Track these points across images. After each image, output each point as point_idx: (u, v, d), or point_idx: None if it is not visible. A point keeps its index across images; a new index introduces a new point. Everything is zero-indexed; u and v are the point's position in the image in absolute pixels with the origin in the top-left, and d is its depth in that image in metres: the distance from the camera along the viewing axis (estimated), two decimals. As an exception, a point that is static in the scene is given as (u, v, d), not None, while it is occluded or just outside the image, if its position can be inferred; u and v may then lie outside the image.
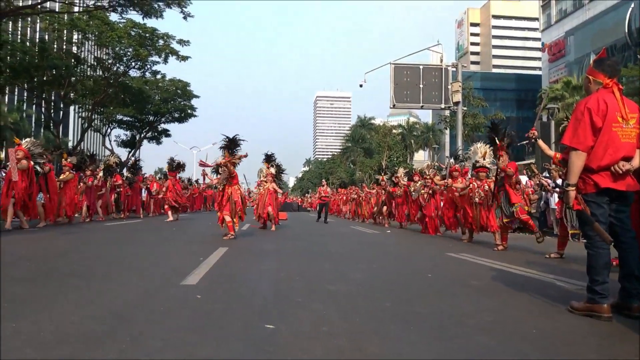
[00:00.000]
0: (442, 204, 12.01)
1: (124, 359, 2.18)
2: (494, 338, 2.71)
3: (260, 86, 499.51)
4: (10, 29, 25.21)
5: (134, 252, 6.59)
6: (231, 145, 9.26)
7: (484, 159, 9.06)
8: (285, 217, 17.27)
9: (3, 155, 12.99)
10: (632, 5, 36.14)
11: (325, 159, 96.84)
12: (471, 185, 9.28)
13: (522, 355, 2.43)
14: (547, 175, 12.88)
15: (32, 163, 9.35)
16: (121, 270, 4.85)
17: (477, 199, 8.96)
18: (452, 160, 11.38)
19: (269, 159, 12.67)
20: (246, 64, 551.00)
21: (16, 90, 36.19)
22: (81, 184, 12.87)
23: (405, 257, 7.19)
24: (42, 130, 42.53)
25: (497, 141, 7.86)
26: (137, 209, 17.26)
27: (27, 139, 9.72)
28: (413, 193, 13.10)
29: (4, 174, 10.03)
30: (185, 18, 21.22)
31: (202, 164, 10.30)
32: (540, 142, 7.71)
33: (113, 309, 3.07)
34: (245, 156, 9.33)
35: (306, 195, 74.33)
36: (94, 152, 18.57)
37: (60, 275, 4.34)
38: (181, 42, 27.28)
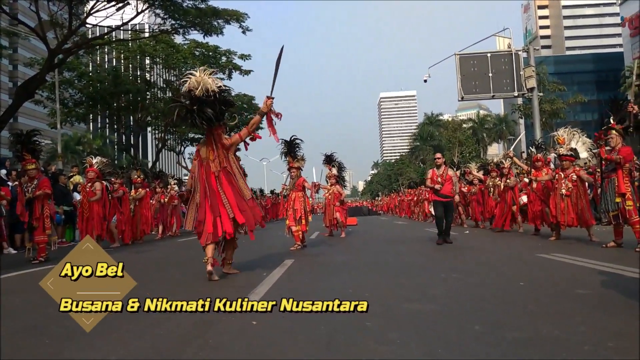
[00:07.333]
0: (523, 198, 11.05)
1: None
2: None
3: (322, 92, 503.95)
4: (85, 61, 26.98)
5: (199, 270, 6.39)
6: (290, 148, 8.76)
7: (562, 147, 8.34)
8: (355, 223, 16.77)
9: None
10: None
11: (393, 160, 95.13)
12: (557, 175, 8.39)
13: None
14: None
15: (104, 183, 9.60)
16: (183, 292, 4.58)
17: (563, 191, 8.07)
18: (533, 149, 10.30)
19: (329, 159, 12.00)
20: (305, 71, 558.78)
21: (99, 118, 38.77)
22: (153, 201, 13.17)
23: (489, 261, 6.40)
24: (123, 153, 45.34)
25: (611, 121, 6.92)
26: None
27: (98, 159, 9.98)
28: (492, 194, 12.05)
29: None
30: (244, 32, 21.51)
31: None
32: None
33: (159, 344, 2.74)
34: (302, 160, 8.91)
35: (376, 198, 73.43)
36: (161, 170, 19.06)
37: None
38: (243, 56, 27.88)
